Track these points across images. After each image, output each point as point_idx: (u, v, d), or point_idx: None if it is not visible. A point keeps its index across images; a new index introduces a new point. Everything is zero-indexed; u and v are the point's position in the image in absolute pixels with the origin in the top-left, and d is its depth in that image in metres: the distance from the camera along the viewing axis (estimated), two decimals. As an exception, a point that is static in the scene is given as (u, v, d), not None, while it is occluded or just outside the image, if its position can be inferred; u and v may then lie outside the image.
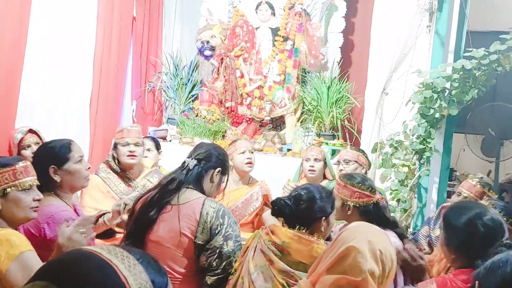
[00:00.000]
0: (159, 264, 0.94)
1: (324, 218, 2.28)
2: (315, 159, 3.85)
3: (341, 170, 3.81)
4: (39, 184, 2.47)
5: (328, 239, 2.30)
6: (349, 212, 2.59)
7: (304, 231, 2.21)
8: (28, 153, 3.42)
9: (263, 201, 3.70)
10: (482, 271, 1.30)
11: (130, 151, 3.34)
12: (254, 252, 2.25)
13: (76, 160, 2.49)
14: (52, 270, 0.88)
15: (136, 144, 3.36)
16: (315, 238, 2.18)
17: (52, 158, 2.44)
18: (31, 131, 3.51)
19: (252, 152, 3.78)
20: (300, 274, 2.09)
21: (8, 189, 1.95)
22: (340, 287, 1.59)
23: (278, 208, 2.29)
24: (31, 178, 2.03)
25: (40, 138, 3.52)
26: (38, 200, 2.07)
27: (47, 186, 2.40)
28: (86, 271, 0.86)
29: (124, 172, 3.39)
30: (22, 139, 3.45)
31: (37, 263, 1.81)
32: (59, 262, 0.90)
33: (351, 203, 2.58)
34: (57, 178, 2.42)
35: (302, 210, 2.26)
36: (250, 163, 3.70)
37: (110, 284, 0.85)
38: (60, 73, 4.57)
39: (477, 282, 1.27)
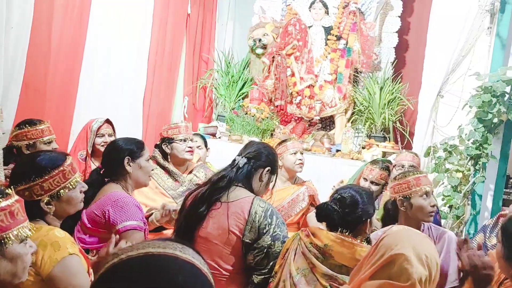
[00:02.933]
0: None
1: (368, 220, 2.26)
2: (372, 182, 3.71)
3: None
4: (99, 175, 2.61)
5: (368, 241, 2.26)
6: None
7: (347, 233, 2.18)
8: (99, 141, 3.60)
9: (309, 201, 3.67)
10: None
11: (189, 147, 3.41)
12: (295, 254, 2.23)
13: (146, 158, 2.68)
14: (142, 278, 0.84)
15: (191, 140, 3.45)
16: (358, 241, 2.15)
17: (129, 150, 2.62)
18: (108, 121, 3.69)
19: (302, 153, 3.76)
20: (343, 277, 2.07)
21: (61, 191, 1.97)
22: None
23: (325, 214, 2.26)
24: (77, 174, 2.07)
25: (114, 130, 3.68)
26: (85, 191, 2.12)
27: (116, 176, 2.58)
28: (181, 279, 0.85)
29: (173, 167, 3.43)
30: (100, 127, 3.64)
31: (79, 268, 1.85)
32: (143, 270, 0.85)
33: None
34: (129, 169, 2.59)
35: (347, 213, 2.23)
36: (302, 164, 3.68)
37: (203, 286, 0.88)
38: (115, 68, 4.70)
39: None
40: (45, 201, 1.93)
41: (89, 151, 3.59)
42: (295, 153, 3.67)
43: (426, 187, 2.66)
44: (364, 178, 3.75)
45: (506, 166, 4.52)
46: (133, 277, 0.84)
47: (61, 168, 1.98)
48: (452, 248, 2.61)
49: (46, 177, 1.93)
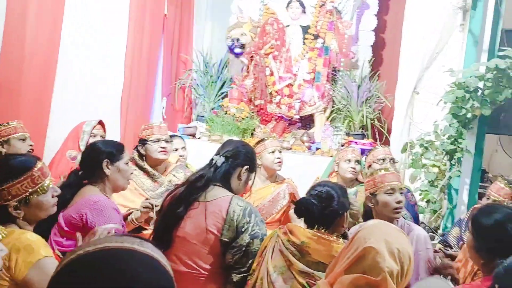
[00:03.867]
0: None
1: (345, 213, 2.29)
2: (356, 161, 3.82)
3: None
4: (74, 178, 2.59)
5: (345, 236, 2.29)
6: None
7: (323, 230, 2.20)
8: (91, 141, 3.59)
9: (290, 199, 3.70)
10: (501, 272, 1.25)
11: (162, 147, 3.40)
12: (273, 252, 2.25)
13: (126, 161, 2.66)
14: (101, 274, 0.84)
15: (166, 140, 3.43)
16: (335, 237, 2.17)
17: (108, 153, 2.60)
18: (100, 122, 3.72)
19: (281, 152, 3.79)
20: (320, 274, 2.08)
21: (30, 196, 1.94)
22: (358, 286, 1.58)
23: (305, 208, 2.28)
24: (48, 179, 2.04)
25: (105, 131, 3.69)
26: (58, 195, 2.09)
27: (94, 179, 2.57)
28: (140, 271, 0.85)
29: (151, 168, 3.44)
30: (93, 128, 3.68)
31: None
32: (101, 264, 0.86)
33: None
34: (107, 172, 2.56)
35: (325, 208, 2.26)
36: (280, 163, 3.72)
37: (162, 277, 0.88)
38: (92, 70, 4.67)
39: (496, 286, 1.23)
40: (13, 206, 1.90)
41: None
42: (273, 152, 3.70)
43: (391, 183, 2.70)
44: (348, 160, 3.82)
45: (481, 160, 4.63)
46: (91, 272, 0.85)
47: (30, 173, 1.94)
48: (420, 247, 2.66)
49: (13, 182, 1.90)
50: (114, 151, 2.63)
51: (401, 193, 2.74)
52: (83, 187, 2.57)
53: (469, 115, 4.20)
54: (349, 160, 3.82)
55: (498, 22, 4.31)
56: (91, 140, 3.60)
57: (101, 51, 4.73)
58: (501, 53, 4.10)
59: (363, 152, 4.90)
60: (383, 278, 1.55)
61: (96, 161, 2.56)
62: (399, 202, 2.69)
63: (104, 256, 0.87)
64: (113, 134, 4.75)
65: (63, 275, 0.87)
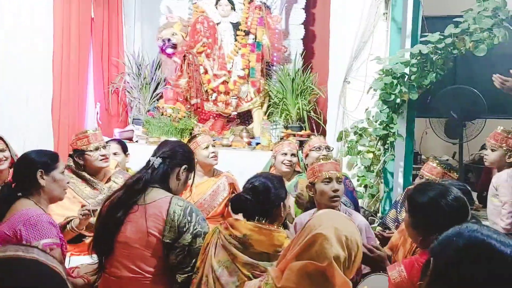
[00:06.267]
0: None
1: (282, 203, 2.33)
2: (292, 154, 3.93)
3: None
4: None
5: (285, 225, 2.34)
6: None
7: (263, 221, 2.22)
8: None
9: (230, 190, 3.74)
10: (436, 245, 1.30)
11: (102, 155, 3.33)
12: (215, 248, 2.26)
13: (61, 171, 2.57)
14: None
15: (104, 147, 3.37)
16: (275, 227, 2.21)
17: (41, 163, 2.51)
18: None
19: (214, 146, 3.83)
20: (264, 264, 2.11)
21: None
22: (307, 272, 1.62)
23: (239, 204, 2.30)
24: None
25: (6, 144, 3.44)
26: None
27: (27, 191, 2.47)
28: (25, 277, 0.84)
29: (89, 176, 3.35)
30: None
31: None
32: None
33: None
34: (42, 182, 2.47)
35: (261, 200, 2.29)
36: (216, 157, 3.75)
37: (51, 281, 0.87)
38: (18, 78, 4.49)
39: (432, 259, 1.28)
40: None
41: None
42: (207, 147, 3.73)
43: (328, 173, 2.77)
44: (284, 153, 3.91)
45: (413, 143, 4.81)
46: None
47: None
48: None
49: None
50: (48, 160, 2.54)
51: (339, 182, 2.80)
52: (17, 200, 2.47)
53: (398, 101, 4.35)
54: (285, 154, 3.92)
55: (419, 9, 4.49)
56: None
57: (27, 58, 4.55)
58: (423, 39, 4.29)
59: (301, 144, 5.00)
60: (329, 264, 1.59)
61: (30, 172, 2.47)
62: (335, 191, 2.75)
63: None
64: (46, 142, 4.60)
65: None
